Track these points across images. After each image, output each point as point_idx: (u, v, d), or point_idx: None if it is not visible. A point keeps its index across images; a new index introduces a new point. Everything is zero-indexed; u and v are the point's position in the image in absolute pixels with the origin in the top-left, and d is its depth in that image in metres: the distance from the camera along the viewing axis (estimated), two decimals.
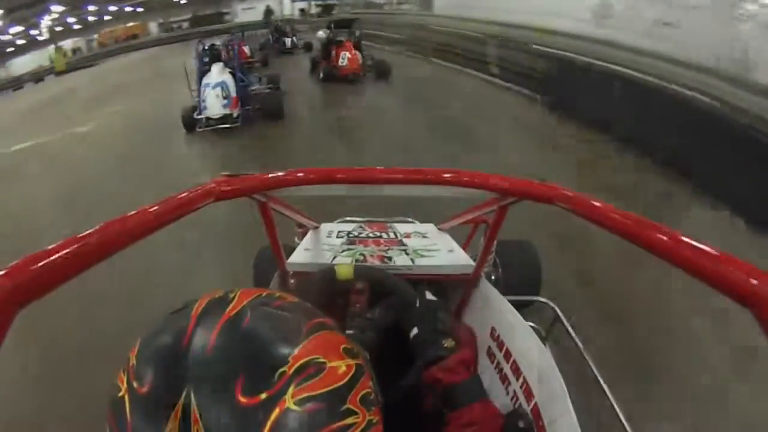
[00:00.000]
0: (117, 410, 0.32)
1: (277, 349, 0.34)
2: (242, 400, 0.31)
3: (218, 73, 5.79)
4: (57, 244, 0.45)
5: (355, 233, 1.46)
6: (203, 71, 5.97)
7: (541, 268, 2.06)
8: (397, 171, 0.94)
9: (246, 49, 9.36)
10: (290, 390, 0.32)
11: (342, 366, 0.36)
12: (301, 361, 0.34)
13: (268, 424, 0.30)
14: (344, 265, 0.94)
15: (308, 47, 12.00)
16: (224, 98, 5.65)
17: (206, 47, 6.59)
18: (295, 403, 0.31)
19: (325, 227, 1.56)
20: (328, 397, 0.33)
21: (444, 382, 0.69)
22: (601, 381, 0.96)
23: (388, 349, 0.86)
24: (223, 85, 5.68)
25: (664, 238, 0.53)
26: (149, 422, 0.31)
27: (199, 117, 5.65)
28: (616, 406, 0.87)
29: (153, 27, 22.10)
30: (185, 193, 0.71)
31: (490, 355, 1.03)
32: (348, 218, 1.80)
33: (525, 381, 0.86)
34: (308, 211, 1.44)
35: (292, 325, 0.37)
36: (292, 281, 1.17)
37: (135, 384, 0.33)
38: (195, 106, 5.82)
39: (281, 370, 0.32)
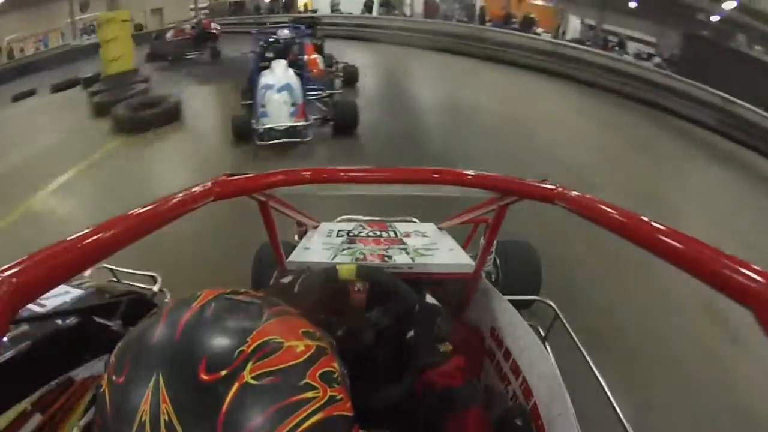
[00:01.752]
0: (100, 403, 0.36)
1: (236, 331, 0.37)
2: (204, 377, 0.33)
3: (283, 73, 4.59)
4: (58, 242, 0.46)
5: (355, 232, 1.46)
6: (260, 68, 4.80)
7: (541, 269, 2.06)
8: (398, 171, 0.94)
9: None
10: (248, 366, 0.34)
11: (300, 345, 0.38)
12: (259, 341, 0.36)
13: (228, 397, 0.33)
14: (347, 265, 0.94)
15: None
16: (291, 105, 4.41)
17: (269, 40, 5.38)
18: (252, 378, 0.34)
19: (325, 226, 1.56)
20: (285, 373, 0.35)
21: (439, 387, 0.70)
22: (601, 381, 0.96)
23: (386, 350, 0.87)
24: (288, 88, 4.44)
25: (665, 237, 0.53)
26: (125, 409, 0.34)
27: (259, 127, 4.34)
28: (616, 406, 0.87)
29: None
30: (185, 192, 0.71)
31: (490, 354, 1.03)
32: (348, 217, 1.80)
33: (524, 380, 0.86)
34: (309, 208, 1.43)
35: (252, 312, 0.40)
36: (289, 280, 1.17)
37: (114, 377, 0.36)
38: (246, 112, 4.74)
39: (240, 348, 0.35)
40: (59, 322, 0.83)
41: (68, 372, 0.78)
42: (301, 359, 0.37)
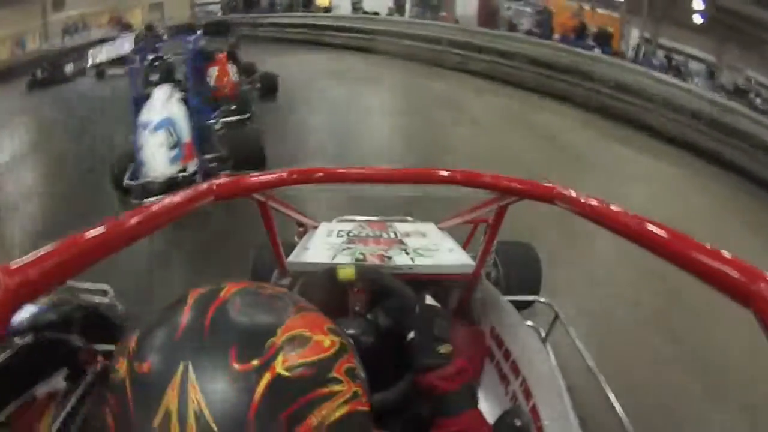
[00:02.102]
0: (118, 389, 0.35)
1: (266, 323, 0.37)
2: (236, 366, 0.33)
3: (162, 105, 3.43)
4: (57, 243, 0.46)
5: (355, 232, 1.46)
6: (140, 98, 3.58)
7: (541, 269, 2.06)
8: (398, 171, 0.95)
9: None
10: (280, 357, 0.35)
11: (326, 340, 0.39)
12: (289, 333, 0.37)
13: (260, 387, 0.33)
14: (346, 266, 0.94)
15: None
16: (172, 147, 3.22)
17: (151, 60, 4.03)
18: (285, 369, 0.34)
19: (325, 226, 1.56)
20: (315, 365, 0.36)
21: (438, 389, 0.70)
22: (601, 380, 0.96)
23: (386, 351, 0.87)
24: (168, 124, 3.28)
25: (665, 237, 0.53)
26: (149, 398, 0.33)
27: (133, 181, 3.15)
28: (616, 406, 0.87)
29: None
30: (185, 193, 0.71)
31: (490, 354, 1.03)
32: (348, 217, 1.80)
33: (524, 380, 0.86)
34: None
35: (279, 305, 0.40)
36: (288, 281, 1.18)
37: (135, 364, 0.35)
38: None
39: (271, 340, 0.36)
40: (18, 340, 0.83)
41: (31, 389, 0.79)
42: (329, 353, 0.38)
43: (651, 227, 0.56)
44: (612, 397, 0.91)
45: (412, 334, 0.80)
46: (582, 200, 0.73)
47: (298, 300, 0.43)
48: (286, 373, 0.34)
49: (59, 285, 0.45)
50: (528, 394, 0.83)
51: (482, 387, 0.99)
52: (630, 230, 0.59)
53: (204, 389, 0.32)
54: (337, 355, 0.39)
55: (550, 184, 0.84)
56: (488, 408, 0.96)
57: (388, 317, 0.88)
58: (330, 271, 0.93)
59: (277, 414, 0.33)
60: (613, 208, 0.65)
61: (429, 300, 0.88)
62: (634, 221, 0.59)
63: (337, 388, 0.36)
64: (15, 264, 0.40)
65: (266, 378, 0.33)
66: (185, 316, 0.37)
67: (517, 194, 0.91)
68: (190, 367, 0.33)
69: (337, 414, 0.35)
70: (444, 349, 0.76)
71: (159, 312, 0.40)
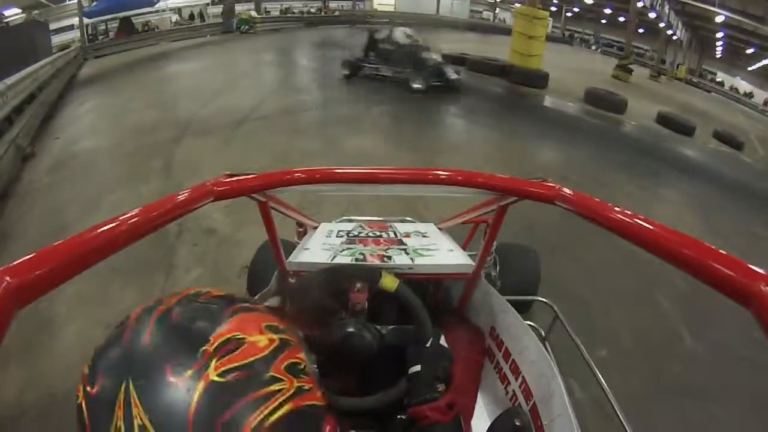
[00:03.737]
0: (78, 415, 0.36)
1: (199, 331, 0.38)
2: (172, 379, 0.34)
3: None
4: (57, 243, 0.46)
5: (355, 233, 1.46)
6: None
7: (540, 269, 2.07)
8: (398, 171, 0.94)
9: None
10: (212, 364, 0.35)
11: (263, 340, 0.39)
12: (221, 339, 0.37)
13: (196, 396, 0.34)
14: (390, 277, 0.94)
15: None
16: None
17: None
18: (218, 375, 0.35)
19: (325, 226, 1.56)
20: (249, 367, 0.36)
21: (429, 420, 0.77)
22: (601, 380, 0.96)
23: (383, 358, 0.89)
24: None
25: (665, 237, 0.53)
26: (101, 418, 0.34)
27: None
28: (615, 406, 0.87)
29: None
30: (185, 193, 0.71)
31: (490, 354, 1.03)
32: (348, 217, 1.80)
33: (524, 380, 0.86)
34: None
35: (214, 311, 0.41)
36: (286, 282, 1.18)
37: (88, 389, 0.36)
38: None
39: (203, 348, 0.36)
40: None
41: None
42: (265, 353, 0.38)
43: (651, 228, 0.56)
44: (612, 396, 0.91)
45: (417, 368, 0.85)
46: (582, 200, 0.73)
47: (237, 301, 0.43)
48: (220, 379, 0.35)
49: (59, 285, 0.45)
50: (528, 394, 0.83)
51: (482, 387, 0.99)
52: (630, 230, 0.59)
53: (145, 405, 0.33)
54: (275, 353, 0.39)
55: (551, 184, 0.84)
56: (488, 408, 0.96)
57: (399, 338, 0.92)
58: (374, 272, 0.94)
59: (215, 420, 0.33)
60: (613, 208, 0.65)
61: (442, 341, 0.91)
62: (633, 222, 0.59)
63: (276, 387, 0.37)
64: (15, 264, 0.40)
65: (200, 386, 0.34)
66: (126, 336, 0.38)
67: (517, 194, 0.91)
68: (131, 385, 0.34)
69: (279, 413, 0.36)
70: (441, 387, 0.83)
71: (107, 335, 0.41)
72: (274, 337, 0.40)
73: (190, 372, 0.35)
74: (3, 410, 1.97)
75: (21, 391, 2.04)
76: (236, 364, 0.36)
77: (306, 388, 0.39)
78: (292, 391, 0.38)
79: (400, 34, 8.91)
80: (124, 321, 0.41)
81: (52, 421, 1.88)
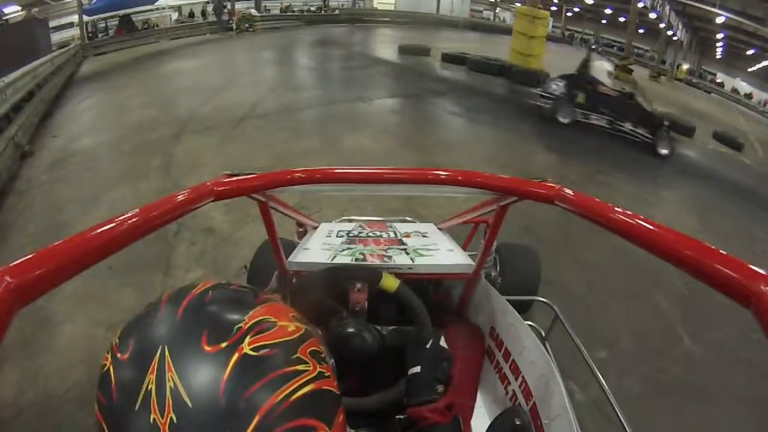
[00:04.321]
0: (104, 381, 0.37)
1: (234, 310, 0.41)
2: (207, 348, 0.37)
3: None
4: (57, 243, 0.46)
5: (355, 232, 1.46)
6: None
7: (540, 270, 2.07)
8: (398, 171, 0.94)
9: None
10: (247, 339, 0.38)
11: (291, 326, 0.42)
12: (255, 320, 0.40)
13: (229, 366, 0.36)
14: (392, 277, 0.94)
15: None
16: None
17: None
18: (251, 350, 0.37)
19: (325, 226, 1.56)
20: (280, 346, 0.39)
21: (429, 421, 0.77)
22: (600, 380, 0.96)
23: (382, 358, 0.89)
24: None
25: (665, 237, 0.53)
26: (131, 381, 0.36)
27: None
28: (615, 406, 0.88)
29: None
30: (185, 193, 0.71)
31: (490, 354, 1.03)
32: (348, 218, 1.80)
33: (524, 380, 0.86)
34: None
35: (246, 297, 0.44)
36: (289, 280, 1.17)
37: (118, 355, 0.38)
38: None
39: (238, 325, 0.39)
40: None
41: None
42: (293, 336, 0.41)
43: (651, 228, 0.56)
44: (611, 396, 0.91)
45: (417, 369, 0.85)
46: (582, 201, 0.73)
47: (263, 293, 0.47)
48: (253, 353, 0.37)
49: (59, 285, 0.45)
50: (528, 394, 0.83)
51: (482, 387, 0.99)
52: (630, 231, 0.59)
53: (179, 369, 0.35)
54: (302, 339, 0.42)
55: (551, 184, 0.84)
56: (488, 408, 0.96)
57: (399, 340, 0.92)
58: (376, 272, 0.94)
59: (245, 389, 0.35)
60: (613, 208, 0.65)
61: (442, 342, 0.91)
62: (634, 222, 0.59)
63: (301, 367, 0.39)
64: (15, 264, 0.40)
65: (234, 357, 0.36)
66: (162, 310, 0.41)
67: (517, 194, 0.91)
68: (166, 351, 0.36)
69: (303, 390, 0.38)
70: (440, 388, 0.83)
71: (138, 313, 0.42)
72: (300, 326, 0.43)
73: (225, 344, 0.37)
74: (1, 410, 1.97)
75: (18, 391, 2.04)
76: (268, 342, 0.39)
77: (326, 374, 0.42)
78: (314, 374, 0.40)
79: (602, 70, 7.20)
80: (157, 301, 0.43)
81: (51, 420, 1.88)
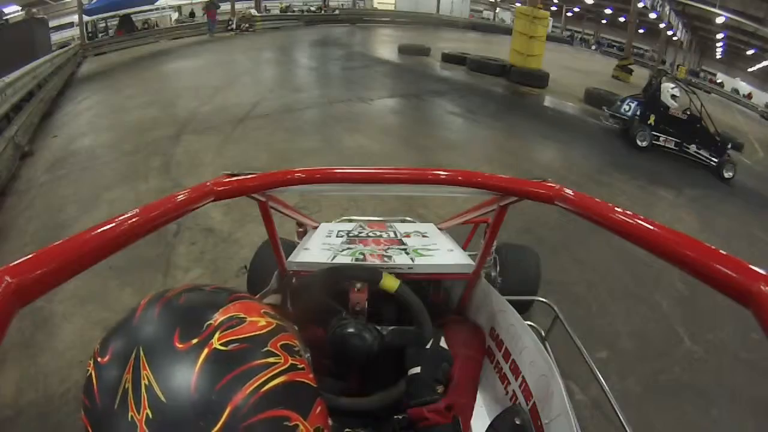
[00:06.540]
0: (87, 386, 0.39)
1: (205, 309, 0.42)
2: (179, 346, 0.38)
3: None
4: (57, 243, 0.46)
5: (355, 233, 1.46)
6: None
7: (540, 270, 2.06)
8: (398, 171, 0.94)
9: None
10: (216, 335, 0.39)
11: (262, 321, 0.43)
12: (225, 316, 0.41)
13: (200, 361, 0.37)
14: (392, 277, 0.94)
15: None
16: None
17: None
18: (221, 344, 0.39)
19: (325, 226, 1.56)
20: (248, 341, 0.40)
21: (428, 422, 0.78)
22: (600, 380, 0.96)
23: (381, 358, 0.89)
24: None
25: (665, 238, 0.53)
26: (110, 382, 0.37)
27: None
28: (615, 406, 0.87)
29: None
30: (185, 193, 0.71)
31: (490, 354, 1.03)
32: (348, 218, 1.80)
33: (524, 380, 0.86)
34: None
35: (218, 297, 0.45)
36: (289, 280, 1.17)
37: (99, 359, 0.39)
38: None
39: (208, 322, 0.40)
40: None
41: None
42: (263, 331, 0.42)
43: (651, 228, 0.56)
44: (611, 397, 0.91)
45: (417, 370, 0.85)
46: (582, 201, 0.73)
47: (236, 292, 0.48)
48: (223, 348, 0.39)
49: (59, 285, 0.45)
50: (528, 394, 0.83)
51: (482, 387, 0.99)
52: (630, 231, 0.59)
53: (153, 367, 0.37)
54: (272, 333, 0.43)
55: (551, 184, 0.84)
56: (488, 407, 0.96)
57: (400, 340, 0.92)
58: (375, 273, 0.94)
59: (216, 383, 0.37)
60: (613, 208, 0.65)
61: (442, 342, 0.91)
62: (633, 222, 0.59)
63: (272, 360, 0.40)
64: (15, 264, 0.40)
65: (204, 352, 0.38)
66: (137, 316, 0.42)
67: (517, 194, 0.91)
68: (141, 351, 0.38)
69: (274, 382, 0.39)
70: (440, 389, 0.83)
71: (118, 320, 0.43)
72: (272, 320, 0.44)
73: (195, 340, 0.38)
74: (1, 410, 1.96)
75: (18, 391, 2.04)
76: (237, 337, 0.40)
77: (299, 366, 0.43)
78: (286, 366, 0.41)
79: (669, 93, 6.88)
80: (135, 307, 0.44)
81: (51, 420, 1.88)
